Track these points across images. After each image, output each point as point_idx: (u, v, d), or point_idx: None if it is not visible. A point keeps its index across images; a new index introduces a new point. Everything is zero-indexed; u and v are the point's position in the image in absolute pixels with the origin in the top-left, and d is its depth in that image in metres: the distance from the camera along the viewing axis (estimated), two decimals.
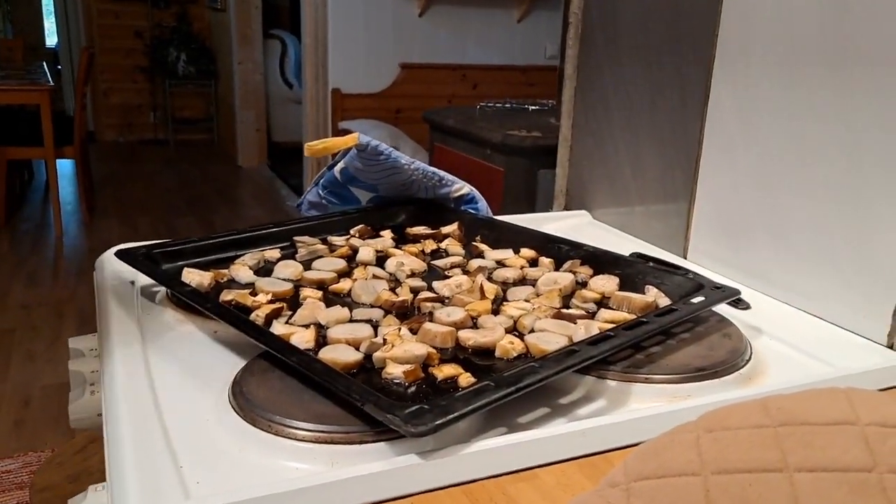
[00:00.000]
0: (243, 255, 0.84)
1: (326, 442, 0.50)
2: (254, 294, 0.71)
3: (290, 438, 0.51)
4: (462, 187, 1.00)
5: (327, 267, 0.81)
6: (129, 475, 0.46)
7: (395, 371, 0.57)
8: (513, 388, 0.51)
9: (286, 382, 0.56)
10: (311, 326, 0.64)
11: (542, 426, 0.54)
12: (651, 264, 0.81)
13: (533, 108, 2.58)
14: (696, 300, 0.70)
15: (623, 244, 1.00)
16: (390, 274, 0.81)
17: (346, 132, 0.92)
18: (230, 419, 0.53)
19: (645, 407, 0.58)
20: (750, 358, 0.66)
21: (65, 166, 4.54)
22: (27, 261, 3.40)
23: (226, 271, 0.78)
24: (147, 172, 5.27)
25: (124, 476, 0.46)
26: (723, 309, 0.73)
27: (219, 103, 6.09)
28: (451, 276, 0.80)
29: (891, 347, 0.71)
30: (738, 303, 0.75)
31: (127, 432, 0.51)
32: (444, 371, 0.57)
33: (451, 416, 0.47)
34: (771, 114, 0.81)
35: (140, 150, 5.96)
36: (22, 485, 1.82)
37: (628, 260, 0.82)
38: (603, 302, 0.74)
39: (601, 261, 0.82)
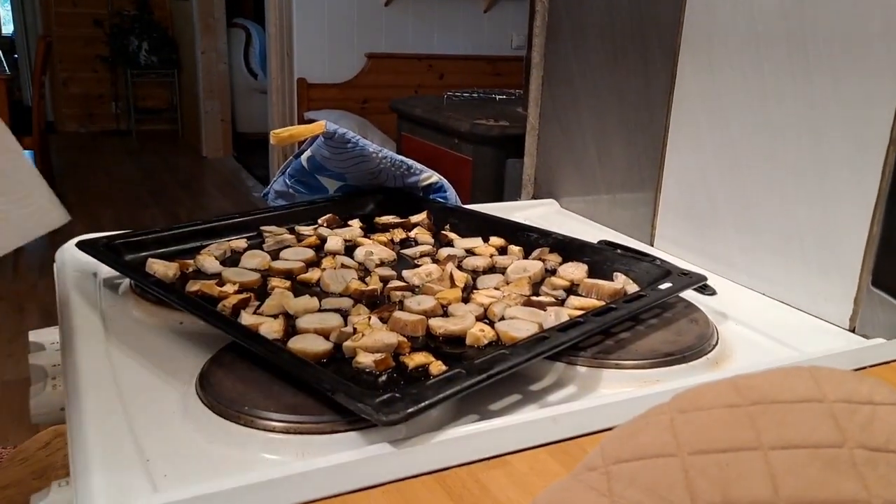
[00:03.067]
0: (209, 245, 0.82)
1: (296, 432, 0.50)
2: (220, 284, 0.70)
3: (260, 429, 0.50)
4: (430, 176, 0.99)
5: (295, 256, 0.80)
6: (94, 469, 0.45)
7: (365, 360, 0.56)
8: (484, 375, 0.51)
9: (254, 373, 0.56)
10: (280, 316, 0.63)
11: (513, 413, 0.54)
12: (619, 251, 0.81)
13: (500, 97, 2.58)
14: (663, 286, 0.70)
15: (591, 232, 1.01)
16: (359, 263, 0.80)
17: (311, 122, 0.91)
18: (198, 411, 0.52)
19: (615, 392, 0.58)
20: (717, 343, 0.66)
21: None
22: None
23: (191, 262, 0.77)
24: (109, 163, 5.16)
25: (89, 470, 0.45)
26: (690, 295, 0.74)
27: (182, 93, 5.98)
28: (420, 265, 0.80)
29: (853, 331, 0.73)
30: (705, 289, 0.76)
31: (91, 426, 0.50)
32: (415, 359, 0.57)
33: (423, 403, 0.47)
34: (736, 101, 0.82)
35: (102, 140, 5.84)
36: None
37: (596, 247, 0.83)
38: (572, 289, 0.74)
39: (570, 248, 0.83)
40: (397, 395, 0.48)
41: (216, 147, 5.44)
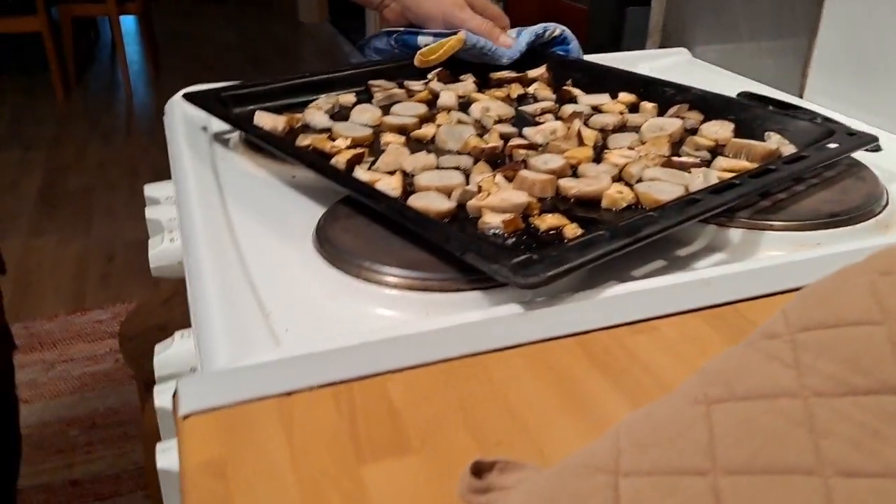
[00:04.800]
0: (316, 99, 0.78)
1: (420, 289, 0.46)
2: (332, 139, 0.66)
3: (381, 285, 0.47)
4: (555, 29, 0.90)
5: (408, 112, 0.75)
6: (215, 322, 0.43)
7: (492, 220, 0.51)
8: (631, 238, 0.45)
9: (373, 229, 0.52)
10: (397, 173, 0.59)
11: (659, 279, 0.48)
12: (770, 108, 0.71)
13: None
14: (828, 147, 0.61)
15: (728, 84, 0.90)
16: (476, 120, 0.74)
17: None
18: (316, 265, 0.49)
19: (773, 255, 0.52)
20: (887, 203, 0.58)
21: (128, 24, 4.47)
22: (101, 120, 3.43)
23: (300, 115, 0.73)
24: (208, 30, 5.17)
25: (211, 323, 0.43)
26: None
27: None
28: (542, 123, 0.73)
29: None
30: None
31: (210, 280, 0.48)
32: (547, 221, 0.52)
33: (564, 266, 0.42)
34: None
35: (200, 6, 5.83)
36: (113, 334, 1.91)
37: (743, 104, 0.73)
38: (717, 150, 0.66)
39: (712, 105, 0.73)
40: (534, 256, 0.43)
41: (312, 12, 5.33)
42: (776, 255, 0.52)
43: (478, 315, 0.43)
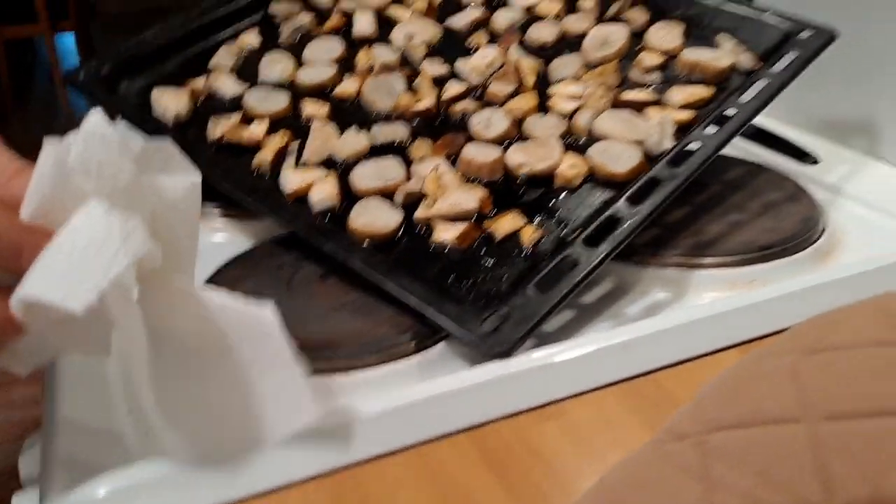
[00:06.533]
0: (217, 46, 0.68)
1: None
2: (247, 121, 0.59)
3: None
4: None
5: (322, 56, 0.66)
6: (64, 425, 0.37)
7: (445, 235, 0.47)
8: (600, 257, 0.43)
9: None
10: (331, 174, 0.53)
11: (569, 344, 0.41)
12: None
13: None
14: (787, 57, 0.56)
15: None
16: (401, 53, 0.66)
17: None
18: None
19: (702, 298, 0.47)
20: (825, 227, 0.54)
21: (68, 42, 3.80)
22: (41, 145, 3.00)
23: (202, 83, 0.64)
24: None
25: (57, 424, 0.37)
26: (784, 165, 0.60)
27: None
28: (474, 48, 0.66)
29: None
30: (804, 157, 0.61)
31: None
32: (502, 226, 0.48)
33: (533, 322, 0.40)
34: None
35: (143, 19, 4.90)
36: None
37: None
38: (668, 67, 0.61)
39: None
40: (502, 310, 0.41)
41: None
42: (705, 297, 0.47)
43: (356, 408, 0.36)
